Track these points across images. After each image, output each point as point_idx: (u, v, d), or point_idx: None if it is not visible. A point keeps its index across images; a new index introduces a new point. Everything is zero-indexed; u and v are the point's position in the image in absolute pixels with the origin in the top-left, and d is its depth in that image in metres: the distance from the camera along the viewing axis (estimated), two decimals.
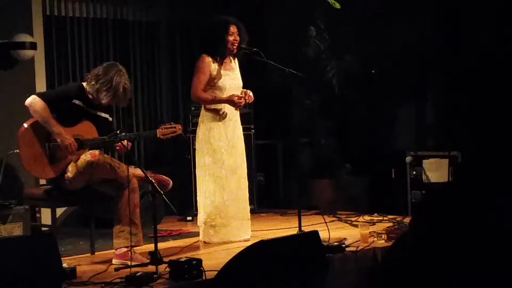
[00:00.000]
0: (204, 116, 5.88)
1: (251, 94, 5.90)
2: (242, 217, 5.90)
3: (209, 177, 5.83)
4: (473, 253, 2.64)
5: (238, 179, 5.89)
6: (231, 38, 5.81)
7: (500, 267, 2.61)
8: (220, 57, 5.83)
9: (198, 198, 5.97)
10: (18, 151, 5.18)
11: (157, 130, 5.28)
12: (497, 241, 2.63)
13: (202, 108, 5.93)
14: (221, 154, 5.82)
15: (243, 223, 5.90)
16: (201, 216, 5.90)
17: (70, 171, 5.14)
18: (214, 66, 5.80)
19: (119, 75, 5.19)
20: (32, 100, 5.12)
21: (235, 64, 5.97)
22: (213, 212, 5.81)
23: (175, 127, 5.28)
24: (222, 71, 5.81)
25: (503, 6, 6.88)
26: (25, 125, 5.17)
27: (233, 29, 5.81)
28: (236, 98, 5.78)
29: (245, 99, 5.88)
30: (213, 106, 5.84)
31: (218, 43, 5.81)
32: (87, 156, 5.12)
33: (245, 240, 5.80)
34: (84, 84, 5.29)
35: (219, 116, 5.83)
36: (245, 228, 5.92)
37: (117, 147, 5.25)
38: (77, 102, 5.23)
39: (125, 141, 5.13)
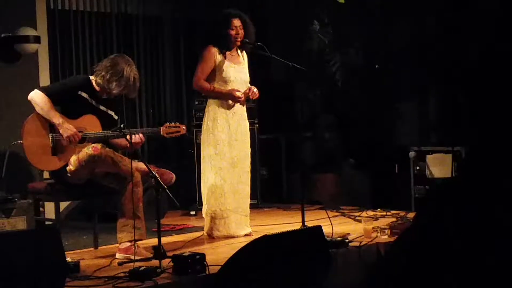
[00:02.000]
0: (210, 107, 5.87)
1: (255, 90, 5.87)
2: (242, 211, 5.88)
3: (211, 168, 5.82)
4: (477, 248, 2.63)
5: (239, 172, 5.86)
6: (233, 32, 5.79)
7: (503, 262, 2.61)
8: (225, 49, 5.82)
9: (202, 190, 5.96)
10: (21, 142, 5.19)
11: (161, 128, 5.29)
12: (501, 236, 2.63)
13: (208, 99, 5.92)
14: (223, 145, 5.80)
15: (242, 218, 5.88)
16: (204, 208, 5.91)
17: (72, 164, 5.14)
18: (219, 57, 5.79)
19: (128, 65, 5.23)
20: (34, 94, 5.16)
21: (243, 58, 5.95)
22: (214, 204, 5.80)
23: (179, 127, 5.29)
24: (227, 63, 5.79)
25: (504, 3, 6.87)
26: (30, 116, 5.19)
27: (236, 22, 5.78)
28: (237, 93, 5.76)
29: (249, 96, 5.86)
30: (218, 98, 5.83)
31: (221, 37, 5.80)
32: (89, 149, 5.12)
33: (248, 235, 5.80)
34: (91, 77, 5.30)
35: (224, 107, 5.81)
36: (244, 224, 5.90)
37: (125, 145, 5.26)
38: (83, 94, 5.24)
39: (139, 139, 5.13)
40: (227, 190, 5.80)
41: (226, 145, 5.81)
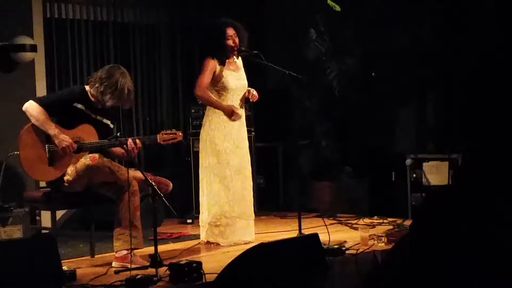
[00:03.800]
0: (209, 116, 5.88)
1: (255, 92, 5.90)
2: (248, 217, 5.92)
3: (214, 177, 5.83)
4: (472, 256, 2.64)
5: (243, 179, 5.89)
6: (230, 42, 5.81)
7: (498, 270, 2.61)
8: (224, 59, 5.83)
9: (201, 199, 5.97)
10: (18, 153, 5.18)
11: (158, 135, 5.28)
12: (496, 244, 2.63)
13: (207, 108, 5.94)
14: (226, 154, 5.82)
15: (248, 223, 5.93)
16: (204, 217, 5.91)
17: (69, 174, 5.14)
18: (219, 68, 5.81)
19: (123, 77, 5.20)
20: (29, 105, 5.14)
21: (240, 63, 5.96)
22: (218, 213, 5.82)
23: (175, 134, 5.28)
24: (226, 71, 5.82)
25: (502, 6, 6.89)
26: (26, 127, 5.18)
27: (230, 31, 5.81)
28: (235, 110, 5.77)
29: (249, 98, 5.87)
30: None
31: (218, 47, 5.82)
32: (86, 159, 5.12)
33: (247, 243, 5.80)
34: (87, 87, 5.29)
35: (224, 116, 5.82)
36: (250, 229, 5.94)
37: (121, 153, 5.24)
38: (78, 105, 5.23)
39: (133, 144, 5.10)
40: (231, 198, 5.83)
41: (229, 154, 5.83)
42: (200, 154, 5.98)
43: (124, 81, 5.19)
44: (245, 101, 5.95)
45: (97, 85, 5.20)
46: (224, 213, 5.82)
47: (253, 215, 6.00)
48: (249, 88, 5.93)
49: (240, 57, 5.98)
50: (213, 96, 5.83)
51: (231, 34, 5.81)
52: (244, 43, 5.87)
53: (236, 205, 5.84)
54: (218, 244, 5.82)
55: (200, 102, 6.12)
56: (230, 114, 5.81)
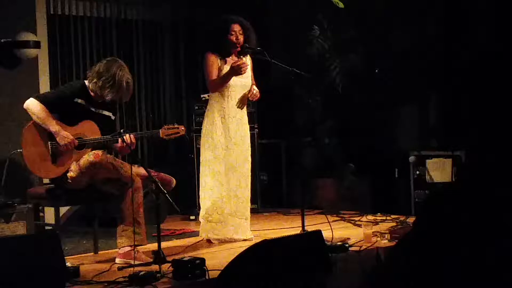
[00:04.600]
0: (209, 112, 5.87)
1: (255, 91, 5.85)
2: (241, 215, 5.86)
3: (208, 172, 5.81)
4: (476, 254, 2.63)
5: (238, 177, 5.85)
6: (233, 38, 5.78)
7: (502, 268, 2.61)
8: (225, 55, 5.82)
9: (200, 194, 5.96)
10: (21, 150, 5.18)
11: (160, 130, 5.28)
12: (500, 242, 2.63)
13: (208, 103, 5.92)
14: (222, 150, 5.79)
15: (241, 222, 5.87)
16: (201, 212, 5.90)
17: (73, 170, 5.14)
18: (219, 62, 5.79)
19: (120, 70, 5.19)
20: (30, 103, 5.13)
21: (247, 62, 5.88)
22: (211, 208, 5.80)
23: (178, 128, 5.28)
24: (226, 68, 5.78)
25: (503, 5, 6.88)
26: (28, 124, 5.18)
27: (235, 27, 5.78)
28: (236, 64, 5.66)
29: (248, 97, 5.83)
30: (216, 102, 5.81)
31: (221, 43, 5.79)
32: (90, 156, 5.12)
33: (248, 240, 5.79)
34: (86, 82, 5.29)
35: (223, 111, 5.80)
36: (244, 228, 5.87)
37: (119, 147, 5.22)
38: (79, 101, 5.22)
39: (129, 139, 5.09)
40: (225, 194, 5.80)
41: (224, 150, 5.80)
42: (200, 148, 5.97)
43: (122, 74, 5.17)
44: (246, 99, 5.91)
45: (95, 80, 5.19)
46: (216, 209, 5.78)
47: (248, 214, 5.93)
48: (253, 86, 5.89)
49: (248, 56, 5.93)
50: (216, 79, 5.75)
51: (236, 30, 5.77)
52: (251, 42, 5.82)
53: (229, 202, 5.80)
54: (209, 241, 5.82)
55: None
56: (237, 70, 5.68)
